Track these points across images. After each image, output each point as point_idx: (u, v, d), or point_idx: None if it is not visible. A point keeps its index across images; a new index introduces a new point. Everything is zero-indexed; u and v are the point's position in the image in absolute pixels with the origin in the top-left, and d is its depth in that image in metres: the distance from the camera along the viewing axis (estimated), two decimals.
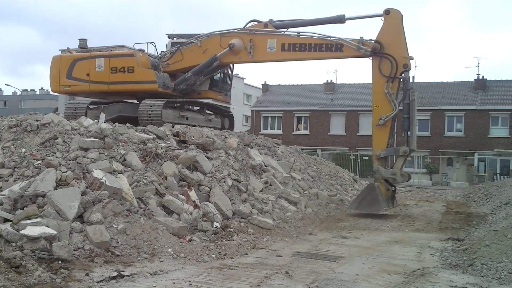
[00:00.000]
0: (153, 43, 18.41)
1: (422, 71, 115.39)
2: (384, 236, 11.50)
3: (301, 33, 16.29)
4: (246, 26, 17.14)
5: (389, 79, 14.70)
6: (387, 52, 14.78)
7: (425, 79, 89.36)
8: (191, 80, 17.76)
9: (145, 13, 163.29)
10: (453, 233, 12.08)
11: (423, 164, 45.21)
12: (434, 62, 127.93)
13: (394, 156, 15.22)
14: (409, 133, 15.04)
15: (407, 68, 14.73)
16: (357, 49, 15.13)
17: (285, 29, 16.82)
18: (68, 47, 20.20)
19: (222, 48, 17.03)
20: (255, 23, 17.13)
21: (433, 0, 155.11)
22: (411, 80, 14.97)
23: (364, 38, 15.13)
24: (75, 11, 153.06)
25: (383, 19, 14.94)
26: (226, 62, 18.01)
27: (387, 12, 14.86)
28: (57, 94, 20.91)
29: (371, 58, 15.17)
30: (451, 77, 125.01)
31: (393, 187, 15.57)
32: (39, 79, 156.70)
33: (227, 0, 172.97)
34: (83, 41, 19.47)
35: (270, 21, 16.86)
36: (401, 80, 14.81)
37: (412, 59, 14.93)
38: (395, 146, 15.92)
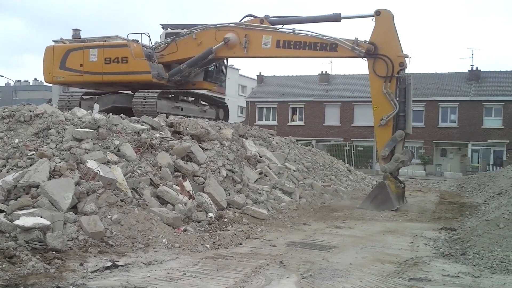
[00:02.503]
0: (147, 34, 18.34)
1: (416, 62, 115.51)
2: (377, 226, 11.55)
3: (296, 31, 16.19)
4: (242, 21, 17.06)
5: (386, 78, 14.68)
6: (382, 53, 14.77)
7: (419, 70, 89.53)
8: (186, 71, 17.73)
9: (135, 4, 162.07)
10: (446, 223, 12.15)
11: (417, 155, 45.30)
12: (428, 53, 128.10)
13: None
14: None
15: (403, 66, 14.75)
16: (352, 49, 15.10)
17: (280, 26, 16.74)
18: (61, 38, 20.07)
19: (217, 42, 16.97)
20: (251, 18, 17.05)
21: None
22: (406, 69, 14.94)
23: (359, 39, 15.10)
24: (62, 1, 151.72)
25: (374, 19, 14.91)
26: (221, 56, 17.96)
27: (377, 13, 14.84)
28: (51, 84, 20.73)
29: (365, 59, 15.14)
30: (445, 68, 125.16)
31: (402, 184, 15.65)
32: (27, 69, 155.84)
33: None
34: (76, 32, 19.42)
35: (266, 17, 16.78)
36: (399, 78, 14.79)
37: (407, 57, 14.99)
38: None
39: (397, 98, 14.80)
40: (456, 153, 45.92)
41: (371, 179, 23.58)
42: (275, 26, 16.68)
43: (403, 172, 37.93)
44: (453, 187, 24.12)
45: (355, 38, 15.15)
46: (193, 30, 17.63)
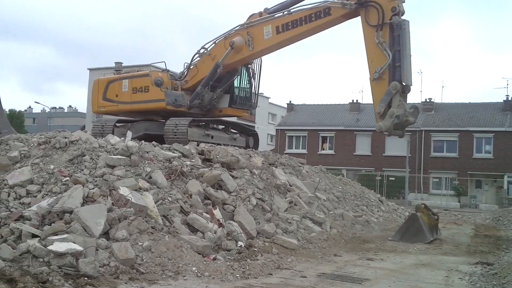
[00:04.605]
0: (163, 62, 18.73)
1: (449, 92, 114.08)
2: (411, 259, 11.29)
3: (292, 10, 15.85)
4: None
5: (377, 27, 13.77)
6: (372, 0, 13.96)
7: (453, 99, 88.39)
8: (203, 92, 17.69)
9: (158, 32, 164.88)
10: (482, 257, 11.80)
11: (451, 186, 44.47)
12: (461, 82, 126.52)
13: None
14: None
15: (395, 11, 13.57)
16: (343, 6, 14.54)
17: (280, 13, 16.35)
18: (114, 70, 20.80)
19: None
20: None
21: (450, 20, 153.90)
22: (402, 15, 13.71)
23: None
24: (90, 31, 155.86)
25: None
26: (230, 64, 17.49)
27: None
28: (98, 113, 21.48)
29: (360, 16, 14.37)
30: (480, 98, 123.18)
31: (435, 216, 15.26)
32: (60, 96, 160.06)
33: (235, 14, 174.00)
34: (118, 64, 20.19)
35: (265, 9, 16.71)
36: (392, 25, 13.69)
37: (403, 1, 13.86)
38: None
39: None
40: (492, 184, 44.86)
41: (404, 210, 23.14)
42: (273, 15, 16.40)
43: (436, 204, 37.29)
44: (488, 220, 23.49)
45: None
46: (205, 46, 17.74)
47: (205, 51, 17.70)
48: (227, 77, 18.05)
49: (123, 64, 20.11)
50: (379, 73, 13.54)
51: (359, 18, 14.50)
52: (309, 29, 15.62)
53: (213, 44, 17.63)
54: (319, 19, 15.24)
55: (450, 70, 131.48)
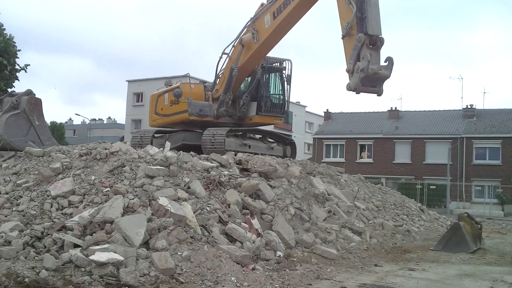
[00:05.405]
0: (187, 74, 19.05)
1: (491, 97, 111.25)
2: (453, 269, 10.97)
3: None
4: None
5: None
6: None
7: (495, 105, 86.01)
8: (226, 99, 17.76)
9: (192, 45, 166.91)
10: None
11: (494, 194, 43.21)
12: (503, 88, 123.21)
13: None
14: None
15: None
16: None
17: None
18: (164, 84, 21.31)
19: None
20: None
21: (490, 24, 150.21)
22: None
23: None
24: (128, 45, 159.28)
25: None
26: (245, 64, 17.41)
27: None
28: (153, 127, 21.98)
29: None
30: None
31: (479, 225, 14.89)
32: (97, 107, 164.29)
33: None
34: (168, 80, 20.91)
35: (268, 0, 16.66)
36: None
37: None
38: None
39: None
40: None
41: (445, 219, 22.61)
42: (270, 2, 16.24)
43: (479, 212, 36.27)
44: None
45: None
46: (226, 51, 17.81)
47: (228, 57, 17.82)
48: (250, 82, 18.09)
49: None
50: (346, 28, 12.66)
51: None
52: (296, 5, 15.06)
53: (232, 48, 17.74)
54: None
55: (491, 75, 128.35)
